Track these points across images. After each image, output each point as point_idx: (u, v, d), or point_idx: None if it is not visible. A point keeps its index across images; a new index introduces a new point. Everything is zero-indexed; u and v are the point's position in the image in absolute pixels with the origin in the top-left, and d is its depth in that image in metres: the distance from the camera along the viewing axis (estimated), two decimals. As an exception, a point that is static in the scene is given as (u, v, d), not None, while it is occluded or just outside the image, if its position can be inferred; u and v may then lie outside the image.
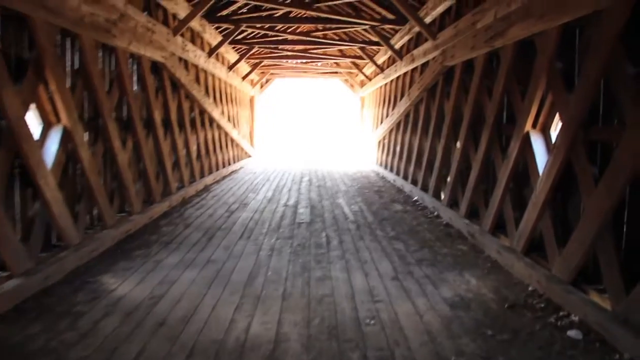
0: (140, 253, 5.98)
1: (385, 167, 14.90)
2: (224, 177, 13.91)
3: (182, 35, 9.80)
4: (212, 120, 13.27)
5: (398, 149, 13.05)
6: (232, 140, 16.61)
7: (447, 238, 6.96)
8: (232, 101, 16.58)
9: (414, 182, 11.04)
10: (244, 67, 17.75)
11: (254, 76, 20.88)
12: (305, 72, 21.59)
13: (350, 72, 21.20)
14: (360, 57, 16.74)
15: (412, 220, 8.11)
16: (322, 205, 9.54)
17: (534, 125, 5.58)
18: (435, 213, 8.56)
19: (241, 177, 14.03)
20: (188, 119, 10.71)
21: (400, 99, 12.83)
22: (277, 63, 19.43)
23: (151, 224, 7.56)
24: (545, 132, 5.55)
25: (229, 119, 15.93)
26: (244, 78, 17.97)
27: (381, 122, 16.12)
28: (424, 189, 10.15)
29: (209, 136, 12.89)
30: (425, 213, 8.76)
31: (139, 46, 7.25)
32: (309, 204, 9.58)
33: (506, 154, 6.07)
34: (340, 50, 17.83)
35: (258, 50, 17.14)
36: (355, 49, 16.73)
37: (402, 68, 12.14)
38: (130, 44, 6.84)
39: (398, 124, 13.24)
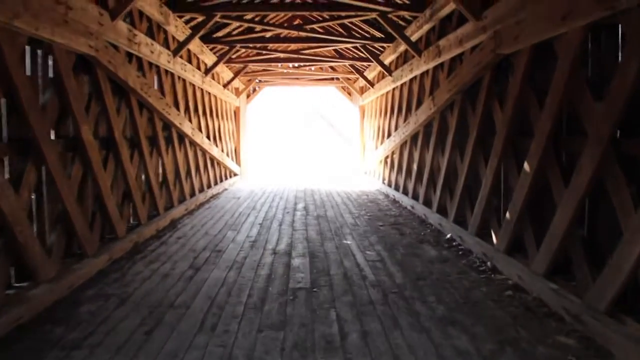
0: (14, 379, 3.36)
1: (397, 189, 12.34)
2: (200, 206, 11.29)
3: (130, 22, 7.26)
4: (182, 137, 10.68)
5: (415, 167, 10.50)
6: (212, 159, 14.01)
7: (530, 319, 4.37)
8: (211, 113, 13.99)
9: (442, 212, 8.49)
10: (225, 73, 15.21)
11: (238, 84, 18.34)
12: (297, 78, 19.03)
13: (348, 79, 18.69)
14: (361, 59, 14.23)
15: (462, 280, 5.52)
16: (325, 250, 6.94)
17: None
18: (489, 263, 5.99)
19: (221, 205, 11.41)
20: (144, 135, 8.12)
21: (418, 106, 10.31)
22: (265, 68, 16.88)
23: (68, 299, 4.92)
24: None
25: (207, 134, 13.35)
26: (225, 86, 15.40)
27: (388, 135, 13.59)
28: (459, 222, 7.60)
29: (179, 156, 10.27)
30: (472, 263, 6.18)
31: (39, 25, 4.63)
32: (306, 250, 6.98)
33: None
34: (337, 51, 15.32)
35: (242, 52, 14.61)
36: (354, 49, 14.24)
37: (420, 66, 9.61)
38: (15, 17, 4.23)
39: (414, 137, 10.71)
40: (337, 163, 25.80)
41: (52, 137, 5.54)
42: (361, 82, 17.98)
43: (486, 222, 6.66)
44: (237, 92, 18.38)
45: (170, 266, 6.11)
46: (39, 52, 5.29)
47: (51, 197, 5.41)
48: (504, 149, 6.06)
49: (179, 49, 9.28)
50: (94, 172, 6.16)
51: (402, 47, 10.92)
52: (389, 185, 13.40)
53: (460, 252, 6.71)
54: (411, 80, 10.91)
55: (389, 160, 13.73)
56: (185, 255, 6.67)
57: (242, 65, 15.25)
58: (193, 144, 11.58)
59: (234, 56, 14.22)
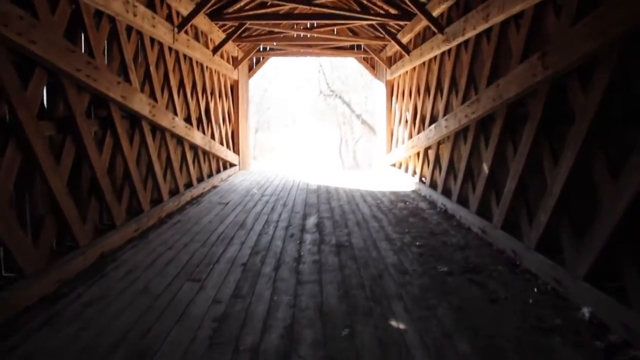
0: None
1: (447, 195, 8.75)
2: (164, 219, 7.76)
3: None
4: (138, 118, 7.18)
5: (485, 168, 6.92)
6: (194, 149, 10.51)
7: None
8: (193, 86, 10.47)
9: (550, 252, 4.95)
10: (216, 34, 11.62)
11: (237, 52, 14.75)
12: (309, 45, 15.34)
13: (373, 49, 14.97)
14: (390, 16, 10.60)
15: None
16: (357, 354, 3.42)
17: None
18: None
19: (196, 219, 7.83)
20: (32, 116, 4.60)
21: (491, 75, 6.73)
22: (271, 29, 13.22)
23: None
24: None
25: (187, 116, 9.85)
26: (216, 51, 11.80)
27: (432, 119, 10.01)
28: (599, 279, 4.09)
29: (127, 149, 6.76)
30: None
31: None
32: (321, 353, 3.46)
33: None
34: (361, 4, 11.62)
35: (240, 4, 10.99)
36: (383, 2, 10.61)
37: (510, 6, 5.97)
38: None
39: (482, 122, 7.12)
40: (357, 152, 22.19)
41: None
42: (389, 51, 14.30)
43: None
44: (235, 62, 14.79)
45: None
46: None
47: None
48: None
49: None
50: None
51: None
52: (432, 186, 9.84)
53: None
54: (479, 36, 7.29)
55: (431, 153, 10.16)
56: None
57: (237, 23, 11.59)
58: (157, 128, 8.06)
59: (230, 10, 10.68)
